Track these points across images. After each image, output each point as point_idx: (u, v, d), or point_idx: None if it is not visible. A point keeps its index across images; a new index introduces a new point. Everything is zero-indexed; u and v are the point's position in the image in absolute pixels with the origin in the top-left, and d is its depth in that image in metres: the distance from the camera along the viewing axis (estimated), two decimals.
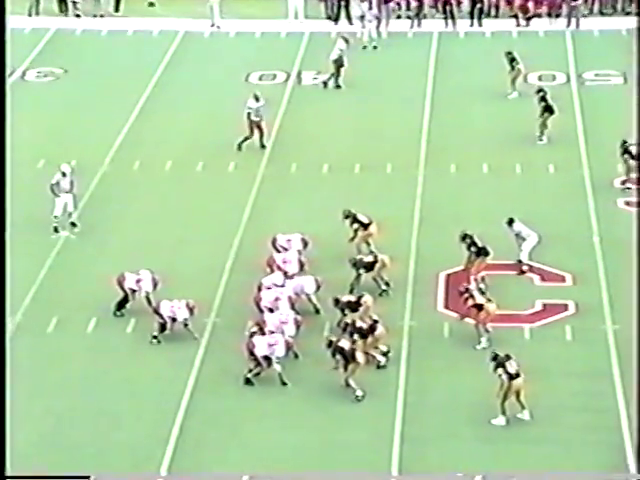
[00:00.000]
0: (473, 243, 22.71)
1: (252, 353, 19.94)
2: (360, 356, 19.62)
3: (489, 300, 21.12)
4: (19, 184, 25.58)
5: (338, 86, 31.70)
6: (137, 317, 21.79)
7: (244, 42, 34.97)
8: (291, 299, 21.29)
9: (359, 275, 22.33)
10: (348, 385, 19.67)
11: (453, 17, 35.47)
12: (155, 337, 21.25)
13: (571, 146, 28.15)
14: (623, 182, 26.12)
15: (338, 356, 19.61)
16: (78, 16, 36.60)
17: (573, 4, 35.07)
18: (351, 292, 21.96)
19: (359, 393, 19.66)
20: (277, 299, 21.21)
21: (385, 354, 20.52)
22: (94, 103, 30.98)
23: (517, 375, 18.93)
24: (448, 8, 35.40)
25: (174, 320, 21.11)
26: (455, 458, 18.36)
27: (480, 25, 35.66)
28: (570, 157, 27.72)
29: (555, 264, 23.37)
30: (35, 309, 22.30)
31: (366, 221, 23.51)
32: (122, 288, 21.84)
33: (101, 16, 36.61)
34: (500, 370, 18.95)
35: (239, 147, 27.96)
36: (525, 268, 23.24)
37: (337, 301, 21.19)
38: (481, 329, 20.98)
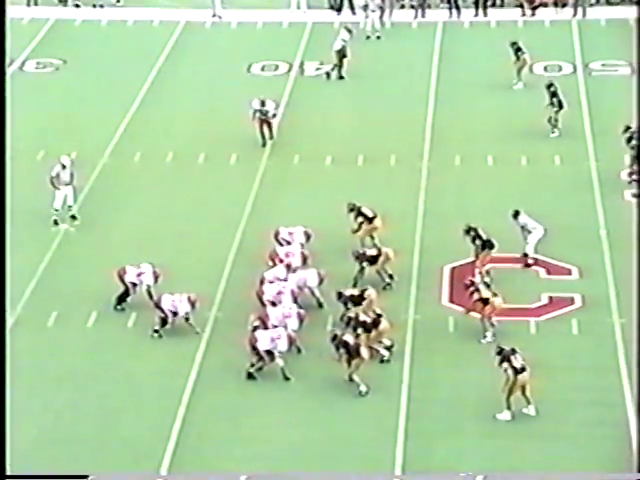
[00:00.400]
0: (477, 236, 22.53)
1: (254, 347, 19.80)
2: (364, 351, 19.44)
3: (495, 294, 20.92)
4: (19, 176, 25.42)
5: (341, 77, 31.49)
6: (138, 311, 21.65)
7: (246, 32, 34.75)
8: (294, 293, 21.14)
9: (362, 268, 22.16)
10: (352, 380, 19.51)
11: (458, 7, 35.23)
12: (156, 331, 21.09)
13: (577, 137, 27.93)
14: (630, 174, 25.88)
15: (342, 350, 19.47)
16: (77, 6, 36.37)
17: None
18: (354, 286, 21.82)
19: (363, 389, 19.50)
20: (280, 293, 21.06)
21: (389, 348, 20.36)
22: (94, 94, 30.79)
23: (523, 369, 18.81)
24: None
25: (175, 314, 20.97)
26: (460, 453, 18.29)
27: (485, 15, 35.41)
28: (576, 149, 27.51)
29: (561, 257, 23.20)
30: (35, 303, 22.17)
31: (370, 215, 23.32)
32: (123, 282, 21.68)
33: (101, 6, 36.37)
34: (505, 364, 18.84)
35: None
36: (531, 261, 23.07)
37: (340, 295, 21.04)
38: (486, 323, 20.83)
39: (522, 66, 30.63)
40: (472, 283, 21.08)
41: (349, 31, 31.84)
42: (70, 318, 21.66)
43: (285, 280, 21.49)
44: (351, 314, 20.44)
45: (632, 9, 34.62)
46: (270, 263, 22.19)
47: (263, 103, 27.40)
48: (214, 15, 35.64)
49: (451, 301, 21.98)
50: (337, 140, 28.25)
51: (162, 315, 20.97)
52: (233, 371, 20.01)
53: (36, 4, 36.44)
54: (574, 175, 26.52)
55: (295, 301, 21.00)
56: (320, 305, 21.67)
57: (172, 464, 18.18)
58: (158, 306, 20.97)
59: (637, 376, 19.63)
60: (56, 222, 24.66)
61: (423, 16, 35.43)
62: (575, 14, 35.03)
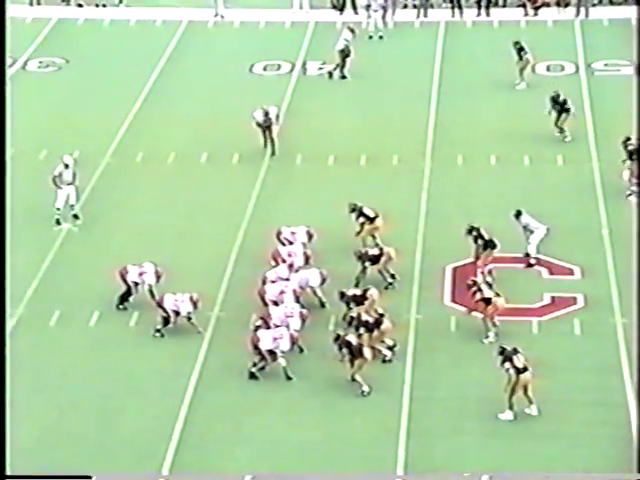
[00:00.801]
0: (479, 236, 22.50)
1: (257, 347, 19.78)
2: (367, 352, 19.42)
3: (497, 294, 20.89)
4: (21, 176, 25.42)
5: (344, 77, 31.46)
6: (140, 310, 21.64)
7: (248, 32, 34.73)
8: (296, 292, 21.12)
9: (365, 268, 22.14)
10: (354, 380, 19.49)
11: (460, 6, 35.20)
12: (158, 331, 21.07)
13: (580, 138, 27.87)
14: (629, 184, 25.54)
15: (345, 350, 19.45)
16: (80, 5, 36.36)
17: None
18: (357, 285, 21.79)
19: (365, 389, 19.48)
20: (282, 292, 21.04)
21: (391, 348, 20.34)
22: (96, 94, 30.77)
23: (525, 369, 18.78)
24: None
25: (177, 314, 20.95)
26: (462, 453, 18.27)
27: (487, 14, 35.39)
28: (579, 149, 27.47)
29: (563, 257, 23.17)
30: (37, 302, 22.15)
31: (372, 215, 23.30)
32: (125, 281, 21.66)
33: (103, 5, 36.37)
34: (507, 364, 18.81)
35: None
36: (533, 261, 23.04)
37: (343, 294, 21.01)
38: (489, 323, 20.79)
39: (525, 66, 30.58)
40: (474, 283, 21.05)
41: (352, 31, 31.83)
42: (72, 317, 21.65)
43: (287, 280, 21.46)
44: (353, 314, 20.42)
45: (635, 9, 34.58)
46: (272, 263, 22.17)
47: (267, 113, 27.22)
48: (216, 15, 35.62)
49: (453, 301, 21.95)
50: (339, 140, 28.22)
51: (164, 315, 20.95)
52: (235, 371, 19.99)
53: (39, 3, 36.43)
54: (576, 175, 26.48)
55: (297, 301, 20.98)
56: (322, 305, 21.65)
57: (174, 464, 18.16)
58: (160, 305, 20.96)
59: (638, 376, 19.59)
60: (58, 221, 24.65)
61: (425, 16, 35.41)
62: (578, 14, 35.00)
